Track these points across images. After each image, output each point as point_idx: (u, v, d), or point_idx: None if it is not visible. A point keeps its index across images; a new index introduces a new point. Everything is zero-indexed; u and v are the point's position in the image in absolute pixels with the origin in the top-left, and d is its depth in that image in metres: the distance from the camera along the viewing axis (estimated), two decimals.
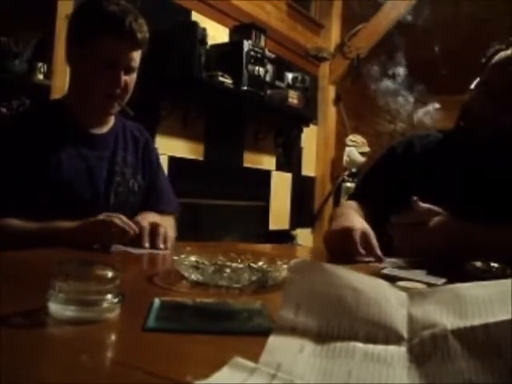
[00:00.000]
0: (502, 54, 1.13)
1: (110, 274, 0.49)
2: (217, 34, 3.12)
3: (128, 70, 1.16)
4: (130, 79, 1.18)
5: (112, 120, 1.27)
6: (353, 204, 1.22)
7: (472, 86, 1.18)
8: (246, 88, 2.96)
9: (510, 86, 1.08)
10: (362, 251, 0.91)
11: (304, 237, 4.09)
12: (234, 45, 3.04)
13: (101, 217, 1.02)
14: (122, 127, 1.30)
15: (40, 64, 2.15)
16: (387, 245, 0.99)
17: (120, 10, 1.11)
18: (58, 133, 1.16)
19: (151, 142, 1.38)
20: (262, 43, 3.25)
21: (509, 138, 1.10)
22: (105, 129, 1.25)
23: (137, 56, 1.16)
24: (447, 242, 0.91)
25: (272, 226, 3.79)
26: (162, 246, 1.02)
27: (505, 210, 1.03)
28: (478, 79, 1.17)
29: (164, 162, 2.83)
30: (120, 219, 1.01)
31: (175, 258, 0.68)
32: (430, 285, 0.68)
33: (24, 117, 1.29)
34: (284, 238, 3.82)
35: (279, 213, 3.90)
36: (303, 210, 4.15)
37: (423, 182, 1.15)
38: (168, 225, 1.18)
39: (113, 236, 0.98)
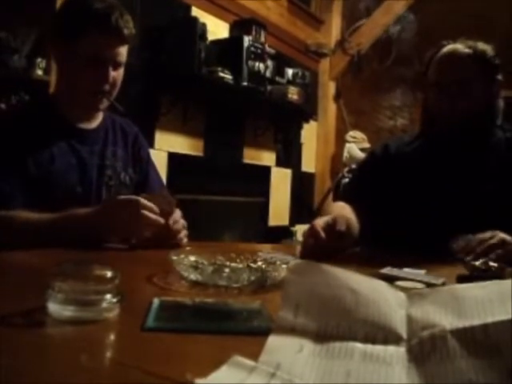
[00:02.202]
0: (441, 54, 1.22)
1: (109, 274, 0.49)
2: (217, 29, 3.11)
3: (115, 66, 1.17)
4: (118, 74, 1.19)
5: (101, 115, 1.28)
6: (340, 203, 1.28)
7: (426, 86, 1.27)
8: (245, 84, 2.95)
9: (456, 83, 1.17)
10: (322, 234, 0.92)
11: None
12: (234, 40, 3.03)
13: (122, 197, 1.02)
14: (111, 122, 1.31)
15: (39, 59, 2.14)
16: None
17: (106, 7, 1.12)
18: (48, 128, 1.17)
19: (141, 137, 1.39)
20: (262, 39, 3.24)
21: (467, 134, 1.19)
22: (94, 124, 1.26)
23: (124, 51, 1.18)
24: None
25: (271, 222, 3.79)
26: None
27: (472, 205, 1.10)
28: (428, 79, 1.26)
29: (163, 157, 2.83)
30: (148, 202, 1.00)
31: (174, 257, 0.68)
32: (428, 285, 0.68)
33: (14, 113, 1.30)
34: (283, 234, 3.82)
35: (279, 209, 3.90)
36: (303, 206, 4.15)
37: (399, 182, 1.24)
38: None
39: (143, 221, 0.98)
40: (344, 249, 0.99)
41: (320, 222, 0.97)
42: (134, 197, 1.03)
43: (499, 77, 1.24)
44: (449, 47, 1.23)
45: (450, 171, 1.21)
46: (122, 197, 1.04)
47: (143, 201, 1.00)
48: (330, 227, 0.95)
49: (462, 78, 1.18)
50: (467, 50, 1.20)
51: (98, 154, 1.23)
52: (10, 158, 1.09)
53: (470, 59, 1.19)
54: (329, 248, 0.92)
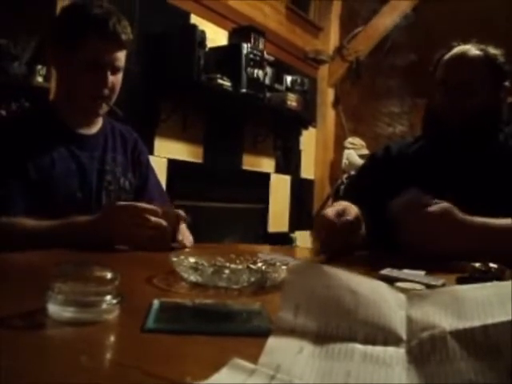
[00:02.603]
0: (452, 54, 1.23)
1: (109, 275, 0.49)
2: (216, 36, 3.13)
3: (114, 71, 1.18)
4: (116, 79, 1.20)
5: (100, 121, 1.29)
6: (343, 201, 1.27)
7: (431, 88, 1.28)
8: (244, 91, 2.96)
9: (464, 84, 1.18)
10: (335, 219, 0.92)
11: (303, 239, 4.09)
12: (232, 47, 3.05)
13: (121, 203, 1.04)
14: (110, 128, 1.32)
15: (39, 67, 2.15)
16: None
17: (103, 13, 1.14)
18: (48, 134, 1.18)
19: (140, 143, 1.40)
20: (261, 46, 3.25)
21: (469, 135, 1.20)
22: (94, 129, 1.27)
23: (122, 56, 1.19)
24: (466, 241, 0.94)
25: (271, 229, 3.79)
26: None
27: (473, 206, 1.09)
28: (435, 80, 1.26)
29: (163, 164, 2.83)
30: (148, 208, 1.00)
31: (174, 259, 0.68)
32: (428, 286, 0.68)
33: (15, 119, 1.32)
34: (283, 240, 3.82)
35: (278, 215, 3.90)
36: (302, 213, 4.15)
37: (401, 183, 1.23)
38: None
39: (144, 223, 0.98)
40: (357, 242, 0.99)
41: (329, 211, 0.97)
42: (133, 202, 1.04)
43: (507, 83, 1.24)
44: (459, 48, 1.23)
45: (452, 172, 1.21)
46: (122, 203, 1.05)
47: (143, 204, 1.00)
48: (341, 215, 0.95)
49: (470, 79, 1.18)
50: (478, 53, 1.20)
51: (97, 159, 1.24)
52: (10, 163, 1.10)
53: (480, 62, 1.19)
54: (342, 238, 0.91)
